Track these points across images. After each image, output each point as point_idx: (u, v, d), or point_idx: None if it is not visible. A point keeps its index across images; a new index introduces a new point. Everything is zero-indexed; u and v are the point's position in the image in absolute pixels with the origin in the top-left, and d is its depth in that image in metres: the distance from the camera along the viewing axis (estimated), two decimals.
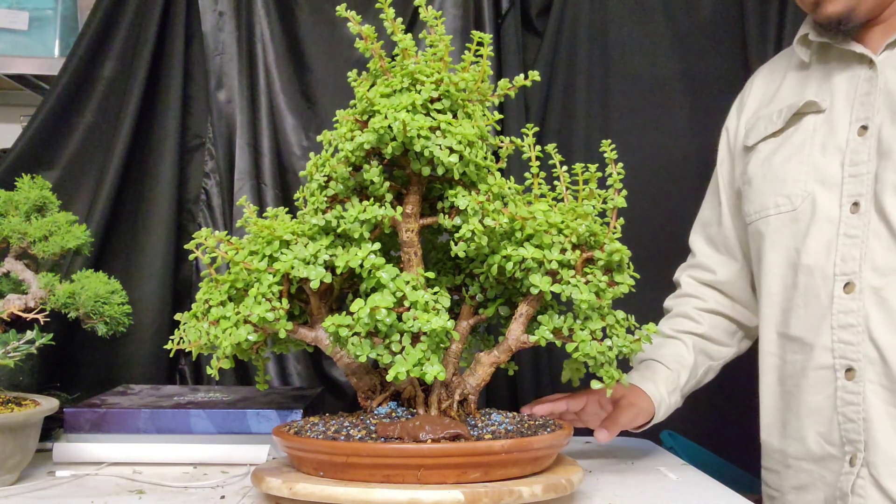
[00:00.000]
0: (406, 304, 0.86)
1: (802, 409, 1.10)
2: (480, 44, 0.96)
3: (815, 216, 1.09)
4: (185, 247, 0.95)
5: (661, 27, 1.67)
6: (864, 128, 1.08)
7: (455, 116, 0.92)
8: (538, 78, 0.98)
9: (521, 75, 0.98)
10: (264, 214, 1.02)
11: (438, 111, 0.91)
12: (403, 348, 0.86)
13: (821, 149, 1.11)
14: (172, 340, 0.96)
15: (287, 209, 1.02)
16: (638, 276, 0.96)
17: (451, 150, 0.89)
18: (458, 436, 0.87)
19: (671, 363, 1.20)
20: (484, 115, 0.96)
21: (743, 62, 1.64)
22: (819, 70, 1.16)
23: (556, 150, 1.01)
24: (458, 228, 0.92)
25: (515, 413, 1.02)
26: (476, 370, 0.96)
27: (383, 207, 0.92)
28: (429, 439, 0.86)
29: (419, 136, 0.88)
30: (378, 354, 0.87)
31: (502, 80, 1.00)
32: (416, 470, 0.85)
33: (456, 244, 0.92)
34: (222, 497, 0.97)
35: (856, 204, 1.06)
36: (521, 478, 0.88)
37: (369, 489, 0.83)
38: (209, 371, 0.94)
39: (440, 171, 0.90)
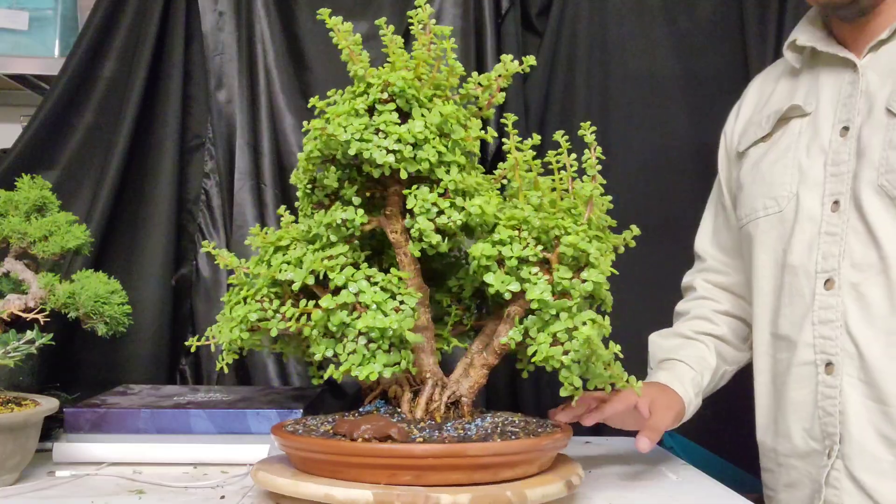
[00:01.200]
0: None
1: (788, 406, 1.12)
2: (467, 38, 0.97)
3: (799, 216, 1.12)
4: (203, 249, 0.99)
5: (661, 27, 1.67)
6: (846, 129, 1.10)
7: (408, 116, 0.92)
8: (534, 62, 0.98)
9: (516, 62, 0.98)
10: (281, 223, 1.05)
11: (400, 111, 0.92)
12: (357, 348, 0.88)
13: (805, 151, 1.14)
14: (194, 336, 1.02)
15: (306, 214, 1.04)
16: (616, 271, 0.94)
17: (388, 151, 0.89)
18: (388, 437, 0.86)
19: (695, 364, 1.20)
20: (439, 111, 0.96)
21: (742, 62, 1.64)
22: (808, 75, 1.19)
23: (563, 136, 1.00)
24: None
25: (513, 415, 1.01)
26: (470, 373, 0.96)
27: (346, 211, 0.92)
28: (360, 438, 0.86)
29: (354, 139, 0.89)
30: (336, 353, 0.89)
31: (496, 65, 1.01)
32: (349, 468, 0.86)
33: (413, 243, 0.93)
34: (222, 497, 0.97)
35: (836, 202, 1.09)
36: (462, 485, 0.85)
37: (299, 482, 0.86)
38: (219, 364, 0.97)
39: (387, 170, 0.91)
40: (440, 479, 0.85)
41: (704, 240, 1.33)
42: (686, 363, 1.20)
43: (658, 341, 1.27)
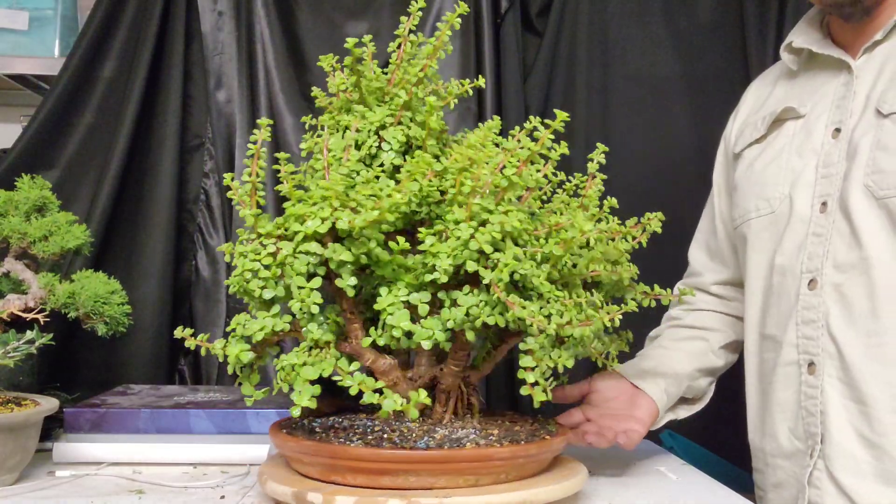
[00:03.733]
0: None
1: (774, 406, 1.13)
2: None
3: (791, 218, 1.12)
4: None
5: (661, 27, 1.67)
6: (838, 130, 1.11)
7: None
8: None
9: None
10: None
11: None
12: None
13: (797, 152, 1.14)
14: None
15: None
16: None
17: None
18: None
19: (648, 352, 1.24)
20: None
21: (743, 62, 1.64)
22: (804, 77, 1.20)
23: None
24: None
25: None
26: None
27: None
28: None
29: None
30: None
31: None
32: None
33: None
34: (222, 497, 0.97)
35: (824, 203, 1.09)
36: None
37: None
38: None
39: None
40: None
41: (693, 245, 1.36)
42: (643, 356, 1.23)
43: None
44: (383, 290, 0.88)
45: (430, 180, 0.90)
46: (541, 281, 0.86)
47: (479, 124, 1.01)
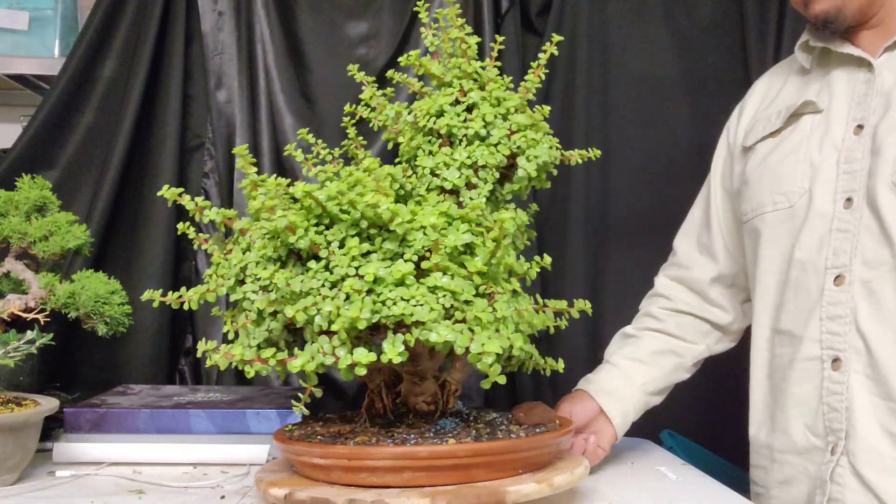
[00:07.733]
0: None
1: (788, 401, 1.12)
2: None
3: (810, 212, 1.12)
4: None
5: (661, 27, 1.67)
6: (860, 127, 1.11)
7: None
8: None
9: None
10: None
11: None
12: None
13: (817, 147, 1.14)
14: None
15: None
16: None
17: None
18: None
19: (626, 365, 1.21)
20: None
21: (742, 62, 1.64)
22: (819, 74, 1.19)
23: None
24: None
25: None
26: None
27: None
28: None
29: None
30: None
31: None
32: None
33: None
34: (222, 497, 0.97)
35: (849, 199, 1.09)
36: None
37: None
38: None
39: None
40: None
41: (680, 235, 1.34)
42: (616, 365, 1.22)
43: (613, 340, 1.30)
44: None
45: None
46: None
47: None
